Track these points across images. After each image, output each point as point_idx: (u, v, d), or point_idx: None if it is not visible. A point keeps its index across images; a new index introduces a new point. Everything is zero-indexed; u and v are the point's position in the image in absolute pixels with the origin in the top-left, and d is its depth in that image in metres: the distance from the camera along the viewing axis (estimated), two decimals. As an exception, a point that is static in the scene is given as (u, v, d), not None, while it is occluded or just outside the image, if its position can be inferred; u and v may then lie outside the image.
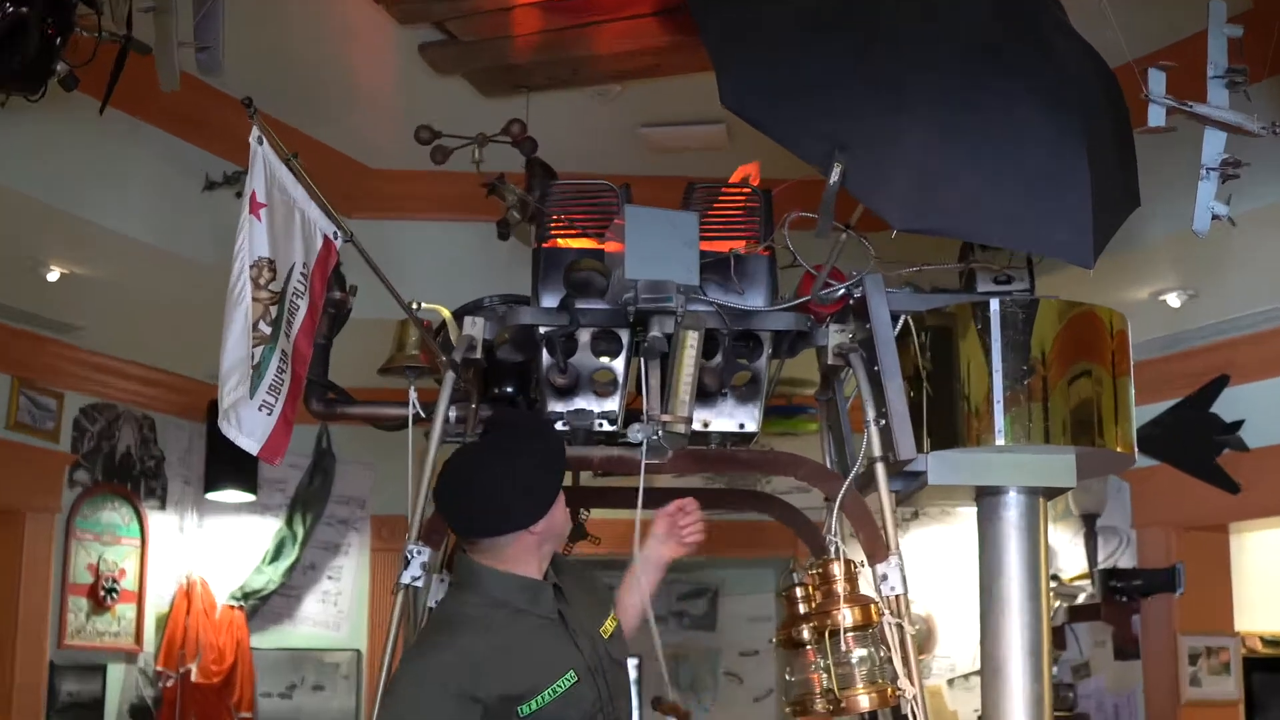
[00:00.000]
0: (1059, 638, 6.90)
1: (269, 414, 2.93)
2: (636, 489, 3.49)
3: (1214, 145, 3.26)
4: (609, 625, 3.19)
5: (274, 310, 2.93)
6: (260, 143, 2.88)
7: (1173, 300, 5.83)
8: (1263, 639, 7.56)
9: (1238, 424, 6.55)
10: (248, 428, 2.89)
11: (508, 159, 4.19)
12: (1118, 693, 7.09)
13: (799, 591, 3.72)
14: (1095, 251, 3.23)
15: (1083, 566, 7.19)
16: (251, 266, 2.87)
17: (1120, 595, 6.92)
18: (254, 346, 2.87)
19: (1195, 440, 6.52)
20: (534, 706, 2.92)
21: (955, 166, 3.24)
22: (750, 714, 9.07)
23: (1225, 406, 6.60)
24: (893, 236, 3.16)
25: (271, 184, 2.92)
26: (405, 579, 3.38)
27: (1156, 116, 3.18)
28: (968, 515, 6.60)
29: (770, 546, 8.06)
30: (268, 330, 2.91)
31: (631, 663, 3.64)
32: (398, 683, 2.97)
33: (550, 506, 3.07)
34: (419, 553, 3.38)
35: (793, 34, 3.30)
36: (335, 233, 3.11)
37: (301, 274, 3.03)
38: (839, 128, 3.13)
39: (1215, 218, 3.35)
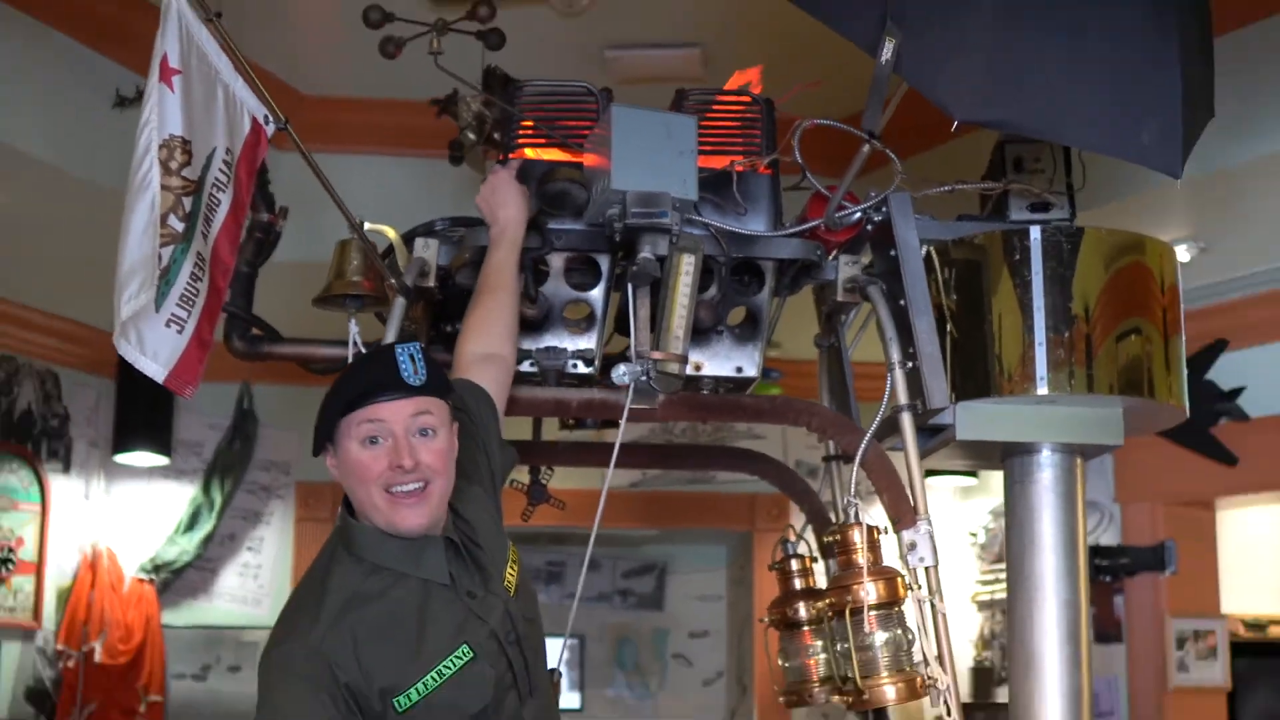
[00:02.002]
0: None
1: (180, 331, 2.42)
2: (605, 445, 3.08)
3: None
4: (511, 574, 2.57)
5: (188, 203, 2.41)
6: (174, -6, 2.35)
7: (1182, 254, 5.41)
8: (1244, 622, 7.25)
9: (1237, 392, 6.22)
10: (151, 347, 2.37)
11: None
12: (1098, 678, 6.71)
13: (795, 564, 3.41)
14: (1182, 160, 2.78)
15: (1060, 544, 6.82)
16: (160, 146, 2.34)
17: (1104, 575, 6.57)
18: (162, 246, 2.35)
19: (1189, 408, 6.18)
20: (414, 698, 2.33)
21: (1030, 53, 2.80)
22: (700, 698, 8.75)
23: (1223, 373, 6.23)
24: (953, 129, 2.71)
25: (188, 49, 2.40)
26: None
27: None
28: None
29: (724, 519, 7.88)
30: (180, 227, 2.39)
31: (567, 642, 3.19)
32: (269, 673, 2.35)
33: (326, 439, 2.44)
34: None
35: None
36: (266, 116, 2.58)
37: (225, 161, 2.51)
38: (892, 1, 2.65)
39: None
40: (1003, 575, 7.30)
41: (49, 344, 6.80)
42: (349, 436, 2.41)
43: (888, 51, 2.54)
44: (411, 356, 2.42)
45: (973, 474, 7.46)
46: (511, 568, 2.58)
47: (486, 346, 2.89)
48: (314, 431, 2.48)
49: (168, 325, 2.38)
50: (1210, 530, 6.73)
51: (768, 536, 7.67)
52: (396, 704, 2.34)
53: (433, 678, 2.37)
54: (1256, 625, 7.35)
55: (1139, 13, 2.82)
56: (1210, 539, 6.73)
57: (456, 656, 2.39)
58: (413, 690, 2.35)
